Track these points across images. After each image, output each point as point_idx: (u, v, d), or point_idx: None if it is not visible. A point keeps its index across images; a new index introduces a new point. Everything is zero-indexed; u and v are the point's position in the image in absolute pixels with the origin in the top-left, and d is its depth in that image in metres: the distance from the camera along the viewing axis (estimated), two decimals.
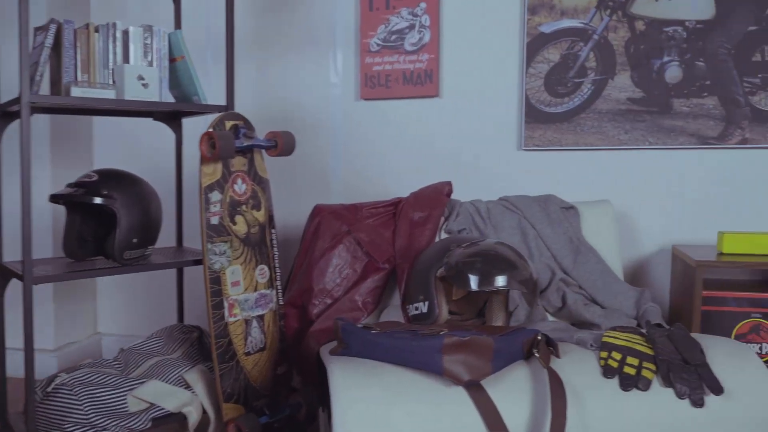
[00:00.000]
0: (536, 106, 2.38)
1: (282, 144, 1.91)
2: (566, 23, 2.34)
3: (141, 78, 1.83)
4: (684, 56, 2.25)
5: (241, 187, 1.89)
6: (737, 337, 1.99)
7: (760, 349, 1.98)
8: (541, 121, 2.37)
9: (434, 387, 1.31)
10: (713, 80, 2.23)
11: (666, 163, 2.30)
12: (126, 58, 1.87)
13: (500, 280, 1.53)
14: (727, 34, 2.21)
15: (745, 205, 2.24)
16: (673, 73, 2.26)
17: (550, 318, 1.94)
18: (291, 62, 2.63)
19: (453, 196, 2.47)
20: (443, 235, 2.03)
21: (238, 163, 1.90)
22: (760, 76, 2.20)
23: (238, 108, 2.70)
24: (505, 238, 2.03)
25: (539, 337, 1.40)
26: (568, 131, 2.36)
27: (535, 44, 2.36)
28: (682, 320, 2.07)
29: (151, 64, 1.91)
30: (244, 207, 1.90)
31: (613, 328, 1.53)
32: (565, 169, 2.38)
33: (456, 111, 2.48)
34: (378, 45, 2.51)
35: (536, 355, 1.36)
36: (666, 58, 2.27)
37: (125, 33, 1.87)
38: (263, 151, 2.14)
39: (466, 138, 2.47)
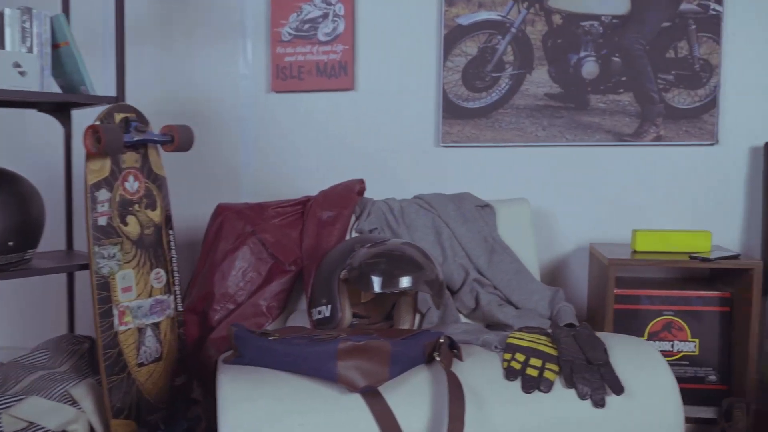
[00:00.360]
0: (454, 101, 2.40)
1: (178, 139, 1.86)
2: (484, 15, 2.37)
3: (17, 65, 1.74)
4: (600, 51, 2.32)
5: (133, 185, 1.83)
6: (650, 335, 2.06)
7: (672, 346, 2.06)
8: (459, 117, 2.40)
9: (329, 395, 1.30)
10: (629, 76, 2.31)
11: (583, 160, 2.36)
12: (1, 44, 1.78)
13: (404, 281, 1.53)
14: (641, 30, 2.29)
15: (661, 203, 2.33)
16: (590, 69, 2.33)
17: (464, 319, 1.96)
18: (197, 51, 2.57)
19: (367, 194, 2.47)
20: (354, 235, 2.02)
21: (130, 159, 1.84)
22: (673, 72, 2.29)
23: (137, 100, 2.62)
24: (418, 238, 2.04)
25: (441, 340, 1.41)
26: (486, 127, 2.39)
27: (452, 36, 2.39)
28: (597, 319, 2.13)
29: (30, 50, 1.82)
30: (136, 206, 1.84)
31: (520, 329, 1.55)
32: (483, 166, 2.41)
33: (372, 105, 2.47)
34: (290, 34, 2.49)
35: (437, 358, 1.37)
36: (583, 53, 2.33)
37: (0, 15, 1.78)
38: (159, 146, 2.08)
39: (382, 134, 2.47)
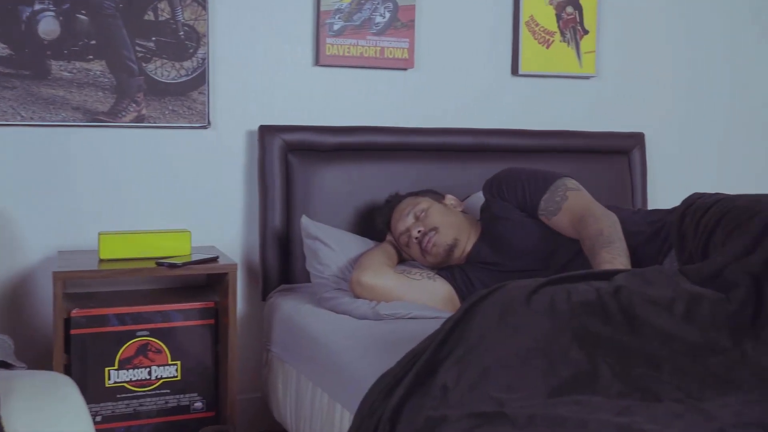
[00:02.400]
0: None
1: None
2: None
3: None
4: (61, 6, 2.19)
5: None
6: (122, 362, 2.01)
7: (150, 373, 2.04)
8: None
9: None
10: (99, 40, 2.23)
11: (46, 144, 2.22)
12: None
13: None
14: None
15: (145, 198, 2.30)
16: (49, 27, 2.19)
17: None
18: None
19: None
20: None
21: None
22: (154, 39, 2.28)
23: None
24: None
25: None
26: None
27: None
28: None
29: None
30: None
31: None
32: None
33: None
34: None
35: None
36: (38, 6, 2.17)
37: None
38: None
39: None
